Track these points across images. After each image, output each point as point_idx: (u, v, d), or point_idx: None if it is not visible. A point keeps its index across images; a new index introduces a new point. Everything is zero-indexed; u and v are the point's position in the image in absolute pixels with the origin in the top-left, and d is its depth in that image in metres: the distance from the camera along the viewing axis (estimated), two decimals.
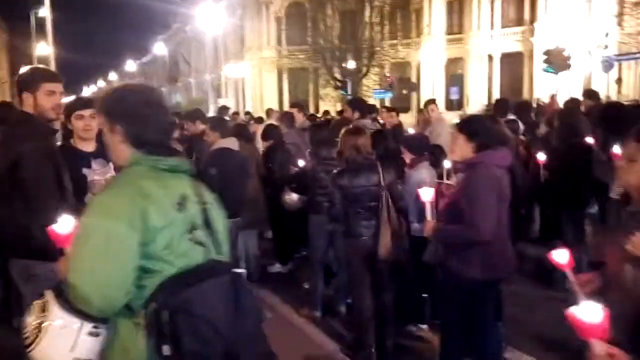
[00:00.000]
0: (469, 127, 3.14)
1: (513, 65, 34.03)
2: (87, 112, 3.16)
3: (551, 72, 17.54)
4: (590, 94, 8.53)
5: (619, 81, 28.84)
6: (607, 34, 28.09)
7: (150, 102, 1.80)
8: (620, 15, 30.82)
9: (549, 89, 26.63)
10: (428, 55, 34.41)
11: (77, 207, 2.31)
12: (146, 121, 1.76)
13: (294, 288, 5.58)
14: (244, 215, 5.11)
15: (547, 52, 17.77)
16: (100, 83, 77.66)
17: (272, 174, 6.10)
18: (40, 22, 24.51)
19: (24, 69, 2.96)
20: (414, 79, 34.08)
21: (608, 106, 6.01)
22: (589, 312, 1.47)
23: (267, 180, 6.08)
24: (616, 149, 4.13)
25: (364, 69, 28.17)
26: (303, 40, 32.77)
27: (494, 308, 3.38)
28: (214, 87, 38.73)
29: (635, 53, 24.47)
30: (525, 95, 31.87)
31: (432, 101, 6.97)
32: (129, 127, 1.75)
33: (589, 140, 5.16)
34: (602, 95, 12.08)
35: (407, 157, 4.30)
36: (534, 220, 6.44)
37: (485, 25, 34.55)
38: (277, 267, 6.15)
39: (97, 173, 3.18)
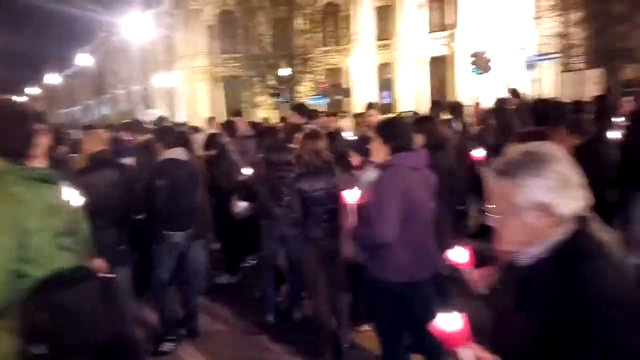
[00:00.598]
0: (384, 130, 3.22)
1: (439, 68, 35.41)
2: None
3: (478, 74, 18.37)
4: (515, 92, 9.05)
5: (537, 81, 30.73)
6: (525, 37, 29.84)
7: (11, 114, 1.95)
8: (537, 18, 32.82)
9: (472, 90, 27.99)
10: (359, 61, 35.15)
11: None
12: (8, 133, 1.91)
13: (245, 298, 5.52)
14: (195, 226, 5.01)
15: (473, 55, 18.62)
16: (20, 97, 73.40)
17: (216, 183, 6.02)
18: None
19: None
20: (346, 85, 34.62)
21: (537, 103, 6.36)
22: (448, 322, 1.47)
23: (211, 190, 5.99)
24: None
25: (298, 76, 28.32)
26: (236, 49, 32.51)
27: (438, 303, 3.44)
28: (143, 98, 37.59)
29: (553, 53, 26.07)
30: (451, 97, 33.24)
31: (372, 105, 7.11)
32: None
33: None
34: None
35: (355, 159, 4.37)
36: (469, 216, 6.70)
37: (412, 31, 35.75)
38: (226, 278, 6.06)
39: None
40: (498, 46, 28.74)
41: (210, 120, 9.39)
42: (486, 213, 1.60)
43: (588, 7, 25.50)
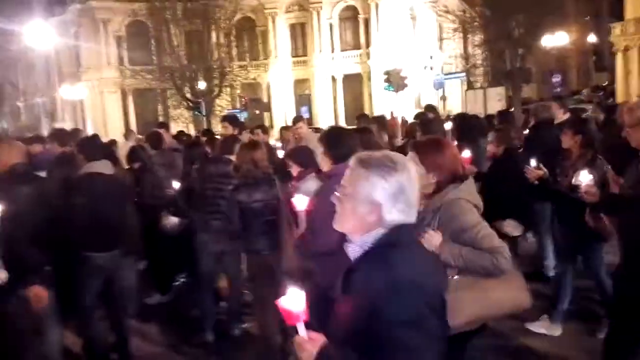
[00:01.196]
0: (326, 139, 3.29)
1: (354, 85, 36.57)
2: None
3: (391, 91, 19.12)
4: (431, 108, 9.52)
5: (444, 98, 32.56)
6: (431, 57, 31.56)
7: None
8: (441, 40, 34.88)
9: (385, 106, 29.12)
10: (277, 77, 35.44)
11: None
12: None
13: (180, 317, 5.30)
14: (121, 245, 4.72)
15: (386, 73, 19.39)
16: None
17: (141, 198, 5.74)
18: None
19: None
20: (265, 99, 34.68)
21: (458, 117, 6.76)
22: (292, 300, 1.58)
23: (135, 205, 5.71)
24: (466, 153, 4.67)
25: (216, 90, 27.92)
26: (148, 60, 31.48)
27: None
28: (47, 111, 35.26)
29: (457, 72, 27.77)
30: (367, 111, 34.37)
31: (300, 118, 7.19)
32: None
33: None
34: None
35: (295, 170, 4.37)
36: None
37: (326, 48, 36.66)
38: (157, 298, 5.78)
39: None
40: (408, 65, 30.14)
41: (129, 132, 9.00)
42: None
43: (487, 30, 27.58)
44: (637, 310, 3.08)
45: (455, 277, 2.41)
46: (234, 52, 31.41)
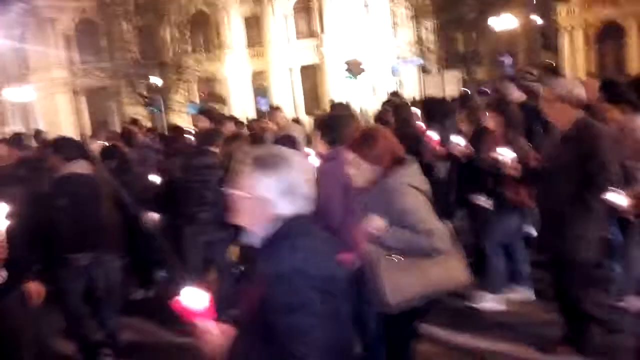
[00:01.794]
0: (322, 124, 3.44)
1: (311, 75, 36.64)
2: None
3: (351, 79, 19.39)
4: (396, 94, 9.78)
5: (400, 84, 33.10)
6: (386, 43, 32.03)
7: None
8: (395, 26, 35.36)
9: (343, 94, 29.39)
10: (233, 69, 35.08)
11: None
12: None
13: (167, 310, 5.34)
14: (103, 244, 4.73)
15: (347, 62, 19.63)
16: None
17: (120, 196, 5.74)
18: None
19: None
20: (222, 93, 34.35)
21: (425, 101, 7.01)
22: (193, 299, 1.65)
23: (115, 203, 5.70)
24: (434, 135, 4.90)
25: (173, 85, 27.48)
26: (100, 58, 30.62)
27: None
28: None
29: (415, 58, 28.25)
30: (325, 101, 34.58)
31: (277, 108, 7.27)
32: None
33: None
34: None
35: None
36: None
37: (281, 39, 36.54)
38: (141, 293, 5.81)
39: None
40: (363, 52, 30.45)
41: (98, 130, 8.83)
42: None
43: (439, 15, 28.19)
44: (556, 265, 3.45)
45: (397, 258, 2.57)
46: (189, 46, 30.97)
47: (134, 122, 7.53)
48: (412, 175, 2.66)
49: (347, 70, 19.50)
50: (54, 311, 4.31)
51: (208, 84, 34.52)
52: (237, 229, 4.01)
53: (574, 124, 3.27)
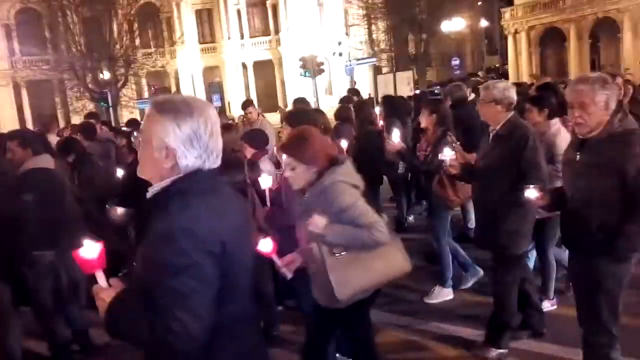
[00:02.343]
0: (292, 119, 3.49)
1: (265, 72, 36.49)
2: None
3: (308, 76, 19.48)
4: (355, 91, 9.96)
5: (354, 83, 33.49)
6: (340, 43, 32.32)
7: None
8: (349, 26, 35.78)
9: (298, 92, 29.43)
10: (185, 64, 34.47)
11: None
12: None
13: None
14: (67, 240, 4.63)
15: (302, 59, 19.70)
16: None
17: (78, 191, 5.62)
18: None
19: None
20: (174, 88, 33.70)
21: (385, 99, 7.21)
22: (88, 250, 1.59)
23: (77, 198, 5.57)
24: (395, 132, 5.06)
25: (122, 79, 26.71)
26: (43, 50, 29.36)
27: None
28: None
29: (369, 58, 28.65)
30: (280, 99, 34.57)
31: (249, 102, 7.28)
32: None
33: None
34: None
35: (249, 152, 4.53)
36: None
37: (235, 35, 36.21)
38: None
39: None
40: (317, 51, 30.70)
41: (49, 124, 8.53)
42: None
43: (392, 17, 28.73)
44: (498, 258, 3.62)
45: (342, 254, 2.64)
46: (138, 39, 30.21)
47: (94, 115, 7.35)
48: (347, 174, 2.69)
49: (302, 67, 19.57)
50: (22, 310, 4.21)
51: (158, 78, 33.79)
52: None
53: (505, 124, 3.45)
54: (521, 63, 34.32)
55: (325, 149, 2.69)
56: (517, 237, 3.49)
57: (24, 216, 3.92)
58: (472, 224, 5.99)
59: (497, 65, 40.97)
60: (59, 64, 26.96)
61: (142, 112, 26.61)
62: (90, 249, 1.58)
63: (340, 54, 30.97)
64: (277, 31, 35.94)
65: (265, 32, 36.47)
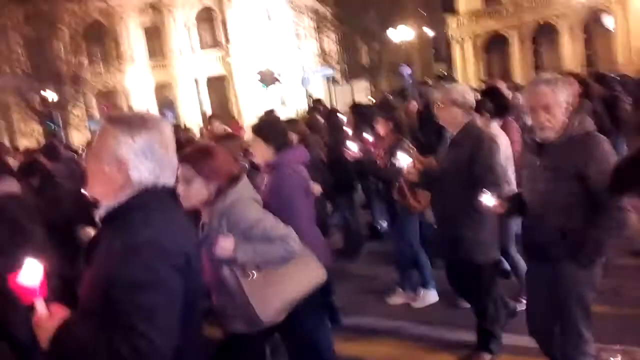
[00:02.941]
0: (265, 131, 3.29)
1: (218, 86, 36.21)
2: None
3: (265, 88, 19.53)
4: (319, 101, 10.06)
5: (309, 94, 33.69)
6: (292, 55, 32.55)
7: None
8: (299, 36, 36.00)
9: (251, 105, 29.39)
10: (135, 82, 33.79)
11: None
12: None
13: None
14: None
15: (260, 72, 19.73)
16: None
17: (48, 214, 5.42)
18: None
19: None
20: (125, 106, 32.92)
21: (353, 107, 7.32)
22: (28, 274, 1.47)
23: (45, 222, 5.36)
24: (368, 137, 5.15)
25: (70, 99, 25.86)
26: None
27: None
28: None
29: (325, 68, 28.92)
30: (235, 112, 34.33)
31: (215, 116, 7.23)
32: None
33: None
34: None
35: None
36: None
37: (186, 50, 35.80)
38: None
39: None
40: (270, 63, 30.76)
41: (2, 147, 8.16)
42: None
43: (341, 28, 29.19)
44: (455, 268, 3.58)
45: (257, 273, 2.50)
46: (85, 58, 29.40)
47: (55, 135, 7.09)
48: (247, 188, 2.59)
49: (260, 80, 19.56)
50: None
51: (109, 97, 32.95)
52: None
53: (463, 128, 3.38)
54: (468, 69, 35.48)
55: (228, 165, 2.56)
56: (478, 244, 3.37)
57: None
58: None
59: (445, 73, 42.18)
60: (2, 85, 25.85)
61: (93, 133, 25.86)
62: (31, 273, 1.45)
63: (293, 66, 31.15)
64: (227, 45, 35.76)
65: (216, 47, 36.23)
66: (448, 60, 47.82)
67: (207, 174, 2.47)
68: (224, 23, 35.69)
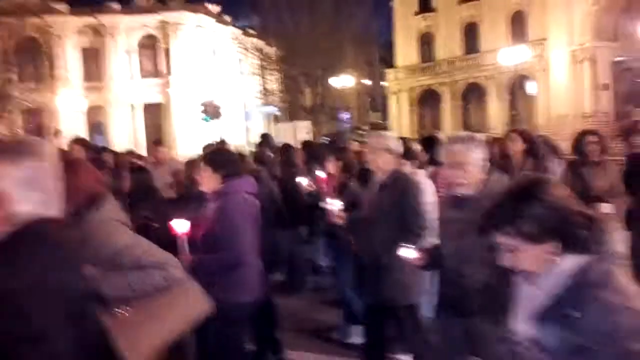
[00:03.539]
0: (213, 159, 3.30)
1: (155, 114, 35.59)
2: None
3: (207, 121, 19.46)
4: (266, 136, 10.20)
5: (248, 130, 33.81)
6: (233, 91, 32.77)
7: None
8: (242, 74, 36.32)
9: (189, 135, 29.05)
10: (66, 103, 32.51)
11: None
12: None
13: None
14: None
15: (204, 104, 19.69)
16: None
17: None
18: None
19: None
20: (52, 127, 31.45)
21: (305, 144, 7.53)
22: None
23: None
24: (320, 173, 5.30)
25: None
26: None
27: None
28: None
29: (268, 106, 29.25)
30: (171, 142, 33.73)
31: (160, 142, 7.12)
32: None
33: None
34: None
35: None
36: None
37: (124, 76, 35.10)
38: None
39: None
40: (211, 96, 30.79)
41: None
42: None
43: (284, 69, 29.82)
44: (381, 313, 3.59)
45: (125, 311, 2.06)
46: (15, 75, 28.06)
47: None
48: (114, 210, 2.24)
49: (203, 112, 19.49)
50: None
51: (37, 116, 31.42)
52: None
53: (391, 173, 3.50)
54: (403, 120, 37.15)
55: (90, 184, 2.20)
56: (401, 288, 3.43)
57: None
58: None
59: (379, 122, 43.83)
60: None
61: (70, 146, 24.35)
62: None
63: (234, 102, 31.31)
64: (168, 74, 35.44)
65: (156, 75, 35.79)
66: (383, 110, 49.97)
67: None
68: (166, 52, 35.43)
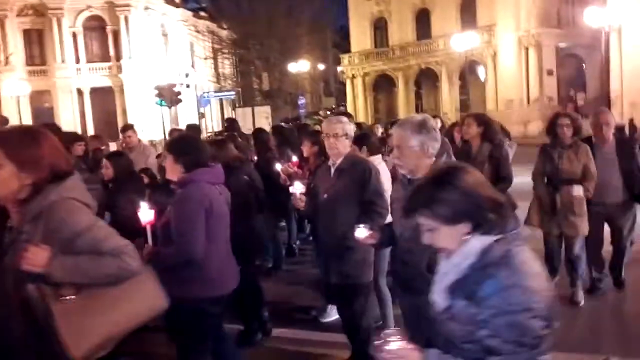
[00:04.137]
0: (175, 147, 3.16)
1: (104, 99, 34.40)
2: None
3: (164, 106, 18.99)
4: (232, 121, 10.16)
5: (203, 115, 33.33)
6: (187, 75, 32.02)
7: None
8: (195, 58, 35.61)
9: (142, 121, 28.29)
10: (9, 87, 30.89)
11: None
12: None
13: None
14: None
15: (157, 87, 19.17)
16: None
17: None
18: None
19: None
20: None
21: (276, 129, 7.57)
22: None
23: None
24: (293, 157, 5.33)
25: None
26: None
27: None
28: None
29: (226, 91, 28.78)
30: (120, 125, 32.72)
31: (130, 127, 6.85)
32: None
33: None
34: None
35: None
36: None
37: (70, 59, 33.72)
38: None
39: None
40: (162, 81, 30.04)
41: None
42: None
43: (237, 53, 29.47)
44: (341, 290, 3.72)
45: (73, 297, 1.94)
46: None
47: None
48: (78, 189, 2.06)
49: (157, 95, 18.99)
50: None
51: None
52: None
53: (346, 157, 3.59)
54: (358, 104, 37.48)
55: (54, 158, 2.01)
56: (365, 266, 3.59)
57: None
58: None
59: (333, 107, 44.11)
60: None
61: None
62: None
63: (188, 86, 30.65)
64: (118, 58, 34.26)
65: (105, 59, 34.52)
66: (336, 95, 50.20)
67: (22, 161, 1.92)
68: (115, 35, 34.22)
